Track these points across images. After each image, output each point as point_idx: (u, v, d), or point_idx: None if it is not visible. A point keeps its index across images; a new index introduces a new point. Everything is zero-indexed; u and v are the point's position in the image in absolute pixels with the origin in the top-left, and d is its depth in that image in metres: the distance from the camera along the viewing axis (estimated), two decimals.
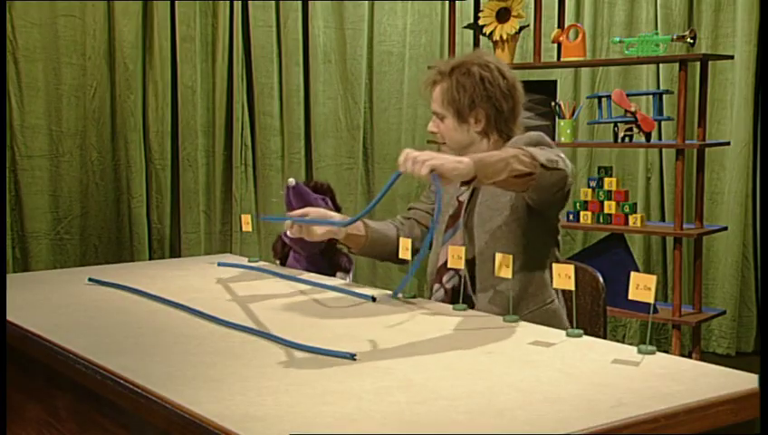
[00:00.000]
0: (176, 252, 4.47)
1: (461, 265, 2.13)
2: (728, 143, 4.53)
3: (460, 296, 2.29)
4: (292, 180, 2.91)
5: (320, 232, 2.43)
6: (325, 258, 3.04)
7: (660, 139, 4.74)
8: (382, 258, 2.64)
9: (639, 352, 1.78)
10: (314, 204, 2.87)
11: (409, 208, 2.69)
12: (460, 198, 2.49)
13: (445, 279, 2.47)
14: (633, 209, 4.18)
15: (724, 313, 4.48)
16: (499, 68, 2.45)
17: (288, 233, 2.49)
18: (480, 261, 2.37)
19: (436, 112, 2.48)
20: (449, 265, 2.16)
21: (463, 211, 2.44)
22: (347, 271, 3.06)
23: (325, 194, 3.13)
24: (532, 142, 2.31)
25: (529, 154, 2.11)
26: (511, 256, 2.01)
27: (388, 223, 2.64)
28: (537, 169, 2.11)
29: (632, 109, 4.02)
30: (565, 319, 2.40)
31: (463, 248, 2.13)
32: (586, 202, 4.24)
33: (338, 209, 3.05)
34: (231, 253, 4.28)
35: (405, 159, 1.96)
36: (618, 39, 4.24)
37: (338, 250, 3.07)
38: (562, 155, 2.24)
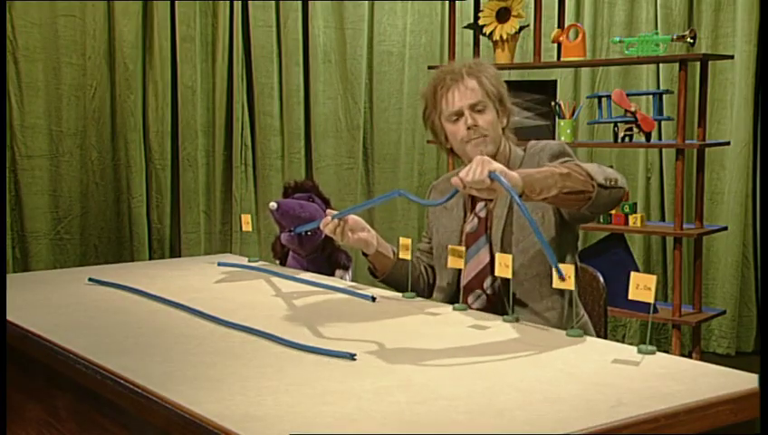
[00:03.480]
0: (176, 252, 4.47)
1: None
2: (728, 143, 4.53)
3: (510, 303, 2.20)
4: (273, 204, 2.86)
5: (354, 238, 2.38)
6: (324, 256, 3.03)
7: (660, 139, 4.74)
8: (403, 286, 2.46)
9: (639, 352, 1.78)
10: (303, 216, 2.86)
11: (418, 249, 2.60)
12: (480, 214, 2.39)
13: (486, 284, 2.36)
14: (633, 209, 4.18)
15: (724, 313, 4.48)
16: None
17: (324, 228, 2.40)
18: (516, 282, 2.24)
19: (473, 104, 2.34)
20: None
21: (493, 229, 2.35)
22: (346, 268, 3.06)
23: (309, 192, 3.12)
24: (556, 153, 2.27)
25: (584, 172, 2.05)
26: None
27: (417, 256, 2.59)
28: (594, 188, 2.05)
29: (632, 109, 4.02)
30: (593, 330, 2.36)
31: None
32: None
33: (326, 202, 3.03)
34: (231, 253, 4.28)
35: (470, 165, 1.93)
36: (618, 39, 4.23)
37: (337, 247, 3.06)
38: (616, 172, 2.17)
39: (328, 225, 2.37)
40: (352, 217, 2.40)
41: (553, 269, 1.89)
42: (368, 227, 2.44)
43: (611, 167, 2.27)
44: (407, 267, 2.41)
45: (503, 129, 2.39)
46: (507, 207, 2.33)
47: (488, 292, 2.35)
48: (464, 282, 2.38)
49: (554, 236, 2.30)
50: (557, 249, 2.28)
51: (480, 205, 2.40)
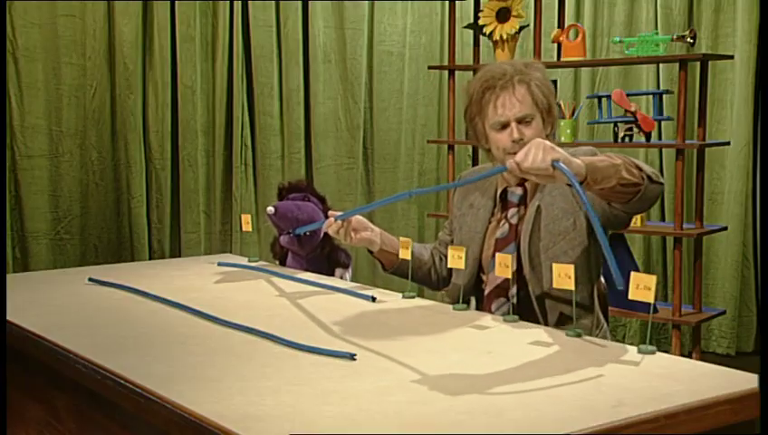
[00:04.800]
0: (176, 252, 4.47)
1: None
2: (728, 143, 4.53)
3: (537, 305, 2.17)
4: (270, 208, 2.87)
5: (357, 238, 2.37)
6: (324, 254, 3.03)
7: (660, 139, 4.74)
8: (414, 279, 2.48)
9: (639, 352, 1.78)
10: (301, 217, 2.87)
11: (437, 242, 2.58)
12: (511, 221, 2.33)
13: (511, 292, 2.30)
14: None
15: (724, 313, 4.48)
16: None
17: (327, 230, 2.42)
18: (544, 291, 2.24)
19: (522, 117, 2.27)
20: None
21: (521, 235, 2.29)
22: (346, 266, 3.06)
23: (305, 192, 3.13)
24: (589, 154, 2.17)
25: (635, 165, 2.01)
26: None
27: (425, 246, 2.55)
28: (644, 180, 2.01)
29: (632, 109, 4.02)
30: (610, 339, 2.30)
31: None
32: None
33: (321, 200, 3.04)
34: (231, 253, 4.27)
35: (529, 147, 1.82)
36: (618, 39, 4.23)
37: (336, 246, 3.06)
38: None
39: (332, 226, 2.37)
40: (355, 217, 2.39)
41: (612, 274, 1.76)
42: (371, 225, 2.42)
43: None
44: (415, 260, 2.41)
45: (546, 136, 2.29)
46: (536, 212, 2.28)
47: (513, 301, 2.28)
48: (488, 289, 2.33)
49: (586, 245, 2.25)
50: (586, 259, 2.24)
51: (512, 211, 2.33)
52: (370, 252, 2.48)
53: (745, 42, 4.62)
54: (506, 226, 2.33)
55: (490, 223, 2.38)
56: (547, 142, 1.84)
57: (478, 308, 2.32)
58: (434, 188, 2.26)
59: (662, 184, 2.09)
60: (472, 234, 2.39)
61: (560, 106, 4.28)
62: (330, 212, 2.45)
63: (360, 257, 4.90)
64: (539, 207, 2.28)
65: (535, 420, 1.40)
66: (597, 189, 1.96)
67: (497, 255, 2.07)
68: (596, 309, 2.28)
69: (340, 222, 2.36)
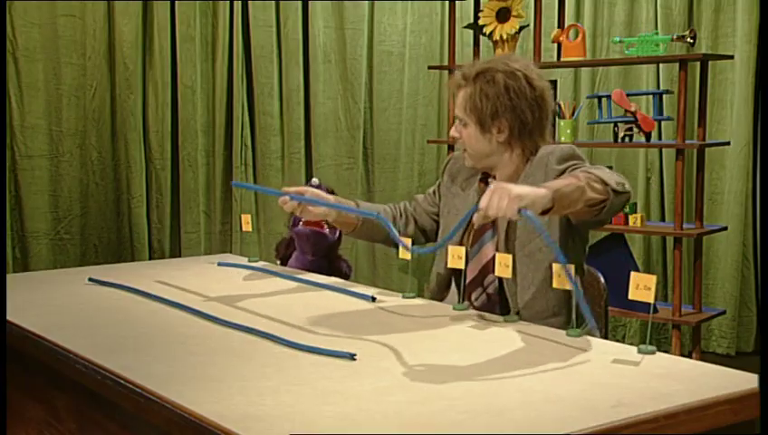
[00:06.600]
0: (176, 252, 4.47)
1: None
2: (728, 143, 4.53)
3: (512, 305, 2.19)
4: (315, 180, 2.99)
5: (315, 211, 2.40)
6: (326, 262, 3.05)
7: (660, 139, 4.74)
8: (374, 241, 2.63)
9: (639, 352, 1.78)
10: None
11: (412, 201, 2.61)
12: None
13: (487, 281, 2.35)
14: (633, 209, 4.18)
15: (724, 313, 4.48)
16: (527, 76, 2.30)
17: (284, 207, 2.44)
18: (522, 287, 2.26)
19: (459, 118, 2.36)
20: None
21: (499, 225, 2.31)
22: (347, 277, 3.07)
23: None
24: (565, 156, 2.23)
25: (600, 179, 2.02)
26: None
27: (384, 207, 2.57)
28: (609, 194, 2.03)
29: (632, 109, 4.02)
30: (599, 336, 2.35)
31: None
32: None
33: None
34: (231, 253, 4.28)
35: (492, 194, 1.87)
36: (618, 39, 4.23)
37: (339, 256, 3.08)
38: (620, 176, 2.15)
39: (287, 204, 2.39)
40: (312, 191, 2.41)
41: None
42: (325, 197, 2.42)
43: (611, 168, 2.26)
44: (372, 226, 2.47)
45: (506, 140, 2.31)
46: None
47: (489, 290, 2.32)
48: (468, 278, 2.34)
49: (559, 240, 2.26)
50: (566, 253, 2.20)
51: None
52: (326, 222, 2.53)
53: (745, 42, 4.62)
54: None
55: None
56: (507, 187, 1.87)
57: (460, 298, 2.31)
58: (399, 239, 2.25)
59: (627, 193, 2.10)
60: (458, 217, 2.41)
61: (560, 106, 4.28)
62: (284, 189, 2.46)
63: (359, 257, 4.90)
64: None
65: (535, 420, 1.40)
66: (564, 213, 2.01)
67: (497, 255, 2.08)
68: (573, 306, 2.28)
69: (295, 203, 2.39)
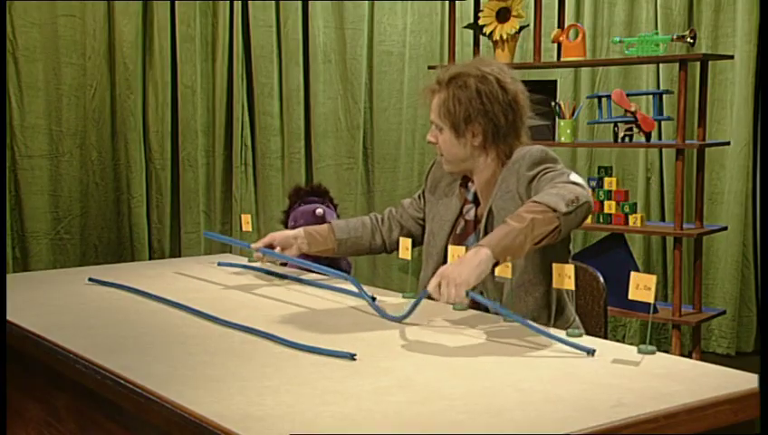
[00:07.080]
0: (176, 252, 4.47)
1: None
2: (728, 143, 4.53)
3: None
4: (320, 211, 3.11)
5: (288, 254, 2.55)
6: (326, 261, 3.04)
7: (660, 139, 4.74)
8: (359, 255, 2.70)
9: (639, 352, 1.78)
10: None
11: (398, 206, 2.63)
12: (466, 217, 2.41)
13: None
14: (633, 209, 4.18)
15: (724, 313, 4.48)
16: (499, 79, 2.31)
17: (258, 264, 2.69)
18: (498, 289, 2.29)
19: (434, 123, 2.38)
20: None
21: (479, 233, 2.33)
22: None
23: (323, 196, 3.18)
24: (536, 161, 2.23)
25: (545, 207, 2.02)
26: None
27: (362, 220, 2.62)
28: (560, 219, 2.02)
29: (632, 109, 4.02)
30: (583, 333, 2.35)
31: (462, 248, 2.09)
32: None
33: (335, 208, 3.07)
34: (231, 253, 4.27)
35: (440, 282, 1.95)
36: (618, 39, 4.23)
37: None
38: (576, 177, 2.15)
39: (261, 259, 2.63)
40: (280, 235, 2.59)
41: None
42: (295, 237, 2.57)
43: (573, 169, 2.25)
44: (351, 245, 2.59)
45: (481, 144, 2.33)
46: (488, 214, 2.32)
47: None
48: None
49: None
50: (543, 255, 2.26)
51: (468, 207, 2.42)
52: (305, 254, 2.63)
53: (745, 42, 4.62)
54: (462, 222, 2.42)
55: (460, 214, 2.44)
56: (452, 274, 1.93)
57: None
58: (373, 304, 2.27)
59: (585, 203, 2.08)
60: (442, 222, 2.46)
61: (560, 106, 4.28)
62: (252, 245, 2.62)
63: (360, 266, 4.89)
64: (491, 208, 2.32)
65: (535, 420, 1.40)
66: (514, 260, 2.03)
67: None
68: (552, 308, 2.29)
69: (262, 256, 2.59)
